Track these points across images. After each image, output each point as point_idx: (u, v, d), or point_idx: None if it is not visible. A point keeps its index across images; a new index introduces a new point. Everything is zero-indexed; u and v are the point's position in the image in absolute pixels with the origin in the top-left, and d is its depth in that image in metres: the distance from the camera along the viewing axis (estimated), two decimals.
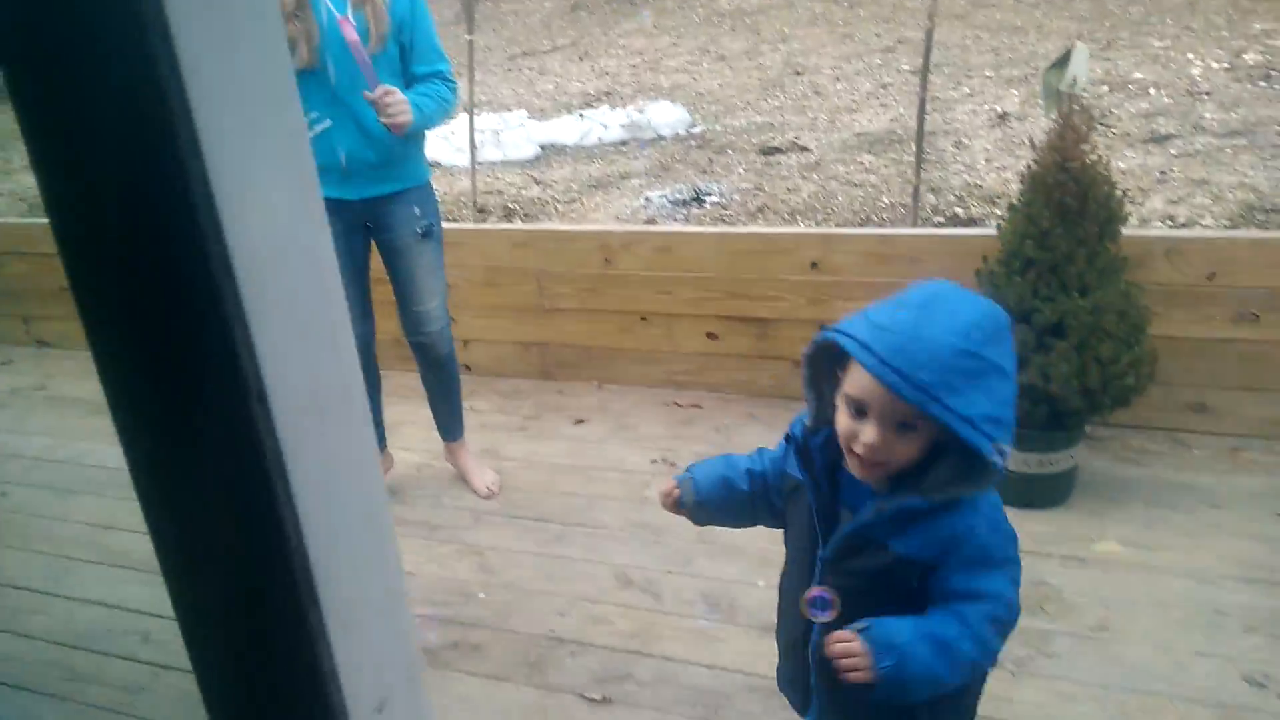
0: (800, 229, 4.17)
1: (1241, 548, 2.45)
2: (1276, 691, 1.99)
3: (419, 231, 2.68)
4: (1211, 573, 2.37)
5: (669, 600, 2.46)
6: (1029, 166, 2.58)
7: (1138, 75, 5.85)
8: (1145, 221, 3.91)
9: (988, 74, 6.38)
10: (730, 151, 5.68)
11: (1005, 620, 1.20)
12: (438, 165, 5.94)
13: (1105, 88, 5.67)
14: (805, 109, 6.31)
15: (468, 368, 3.85)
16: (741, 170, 5.33)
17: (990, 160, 4.87)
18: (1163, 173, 4.39)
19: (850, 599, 1.25)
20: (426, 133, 2.69)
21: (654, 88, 7.35)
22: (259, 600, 0.47)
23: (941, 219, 4.25)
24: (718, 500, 1.43)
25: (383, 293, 2.80)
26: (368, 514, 0.52)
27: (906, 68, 6.84)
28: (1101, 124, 4.99)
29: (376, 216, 2.66)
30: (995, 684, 1.70)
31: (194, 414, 0.43)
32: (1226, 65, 5.83)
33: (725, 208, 4.80)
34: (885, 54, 7.37)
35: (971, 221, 4.15)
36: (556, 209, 5.14)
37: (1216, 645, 2.13)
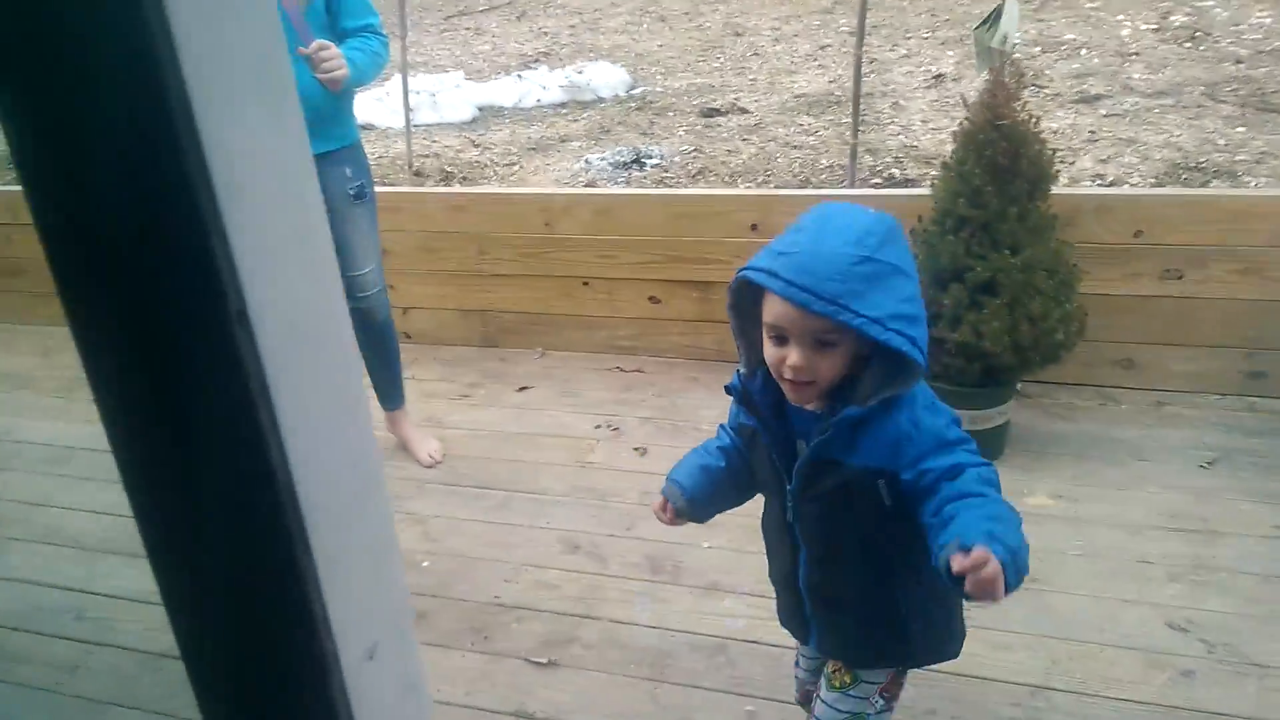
0: (740, 191, 4.17)
1: (1167, 499, 2.54)
2: (1197, 636, 2.07)
3: (350, 193, 2.62)
4: (1138, 523, 2.45)
5: (614, 564, 2.48)
6: (961, 124, 2.61)
7: (1069, 36, 5.94)
8: (1075, 181, 3.98)
9: (924, 35, 6.42)
10: (670, 113, 5.65)
11: (995, 480, 1.21)
12: (372, 128, 5.81)
13: (1038, 49, 5.74)
14: (745, 70, 6.28)
15: (408, 336, 3.80)
16: (682, 132, 5.30)
17: (926, 121, 4.91)
18: (1092, 132, 4.47)
19: (826, 523, 1.31)
20: (356, 91, 2.63)
21: (593, 49, 7.25)
22: (248, 543, 0.44)
23: (879, 180, 4.28)
24: (705, 489, 1.45)
25: None
26: (357, 451, 0.49)
27: (845, 29, 6.84)
28: (1034, 85, 5.06)
29: None
30: None
31: (171, 335, 0.40)
32: (1154, 26, 5.94)
33: (666, 170, 4.78)
34: (824, 15, 7.36)
35: (908, 182, 4.19)
36: (495, 172, 5.06)
37: (1143, 593, 2.21)
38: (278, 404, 0.41)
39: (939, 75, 5.55)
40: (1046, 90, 5.08)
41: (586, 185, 4.68)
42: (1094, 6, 6.54)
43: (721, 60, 6.59)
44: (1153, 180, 3.93)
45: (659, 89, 6.15)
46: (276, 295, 0.41)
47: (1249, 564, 2.27)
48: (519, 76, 6.56)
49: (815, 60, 6.29)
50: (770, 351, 1.23)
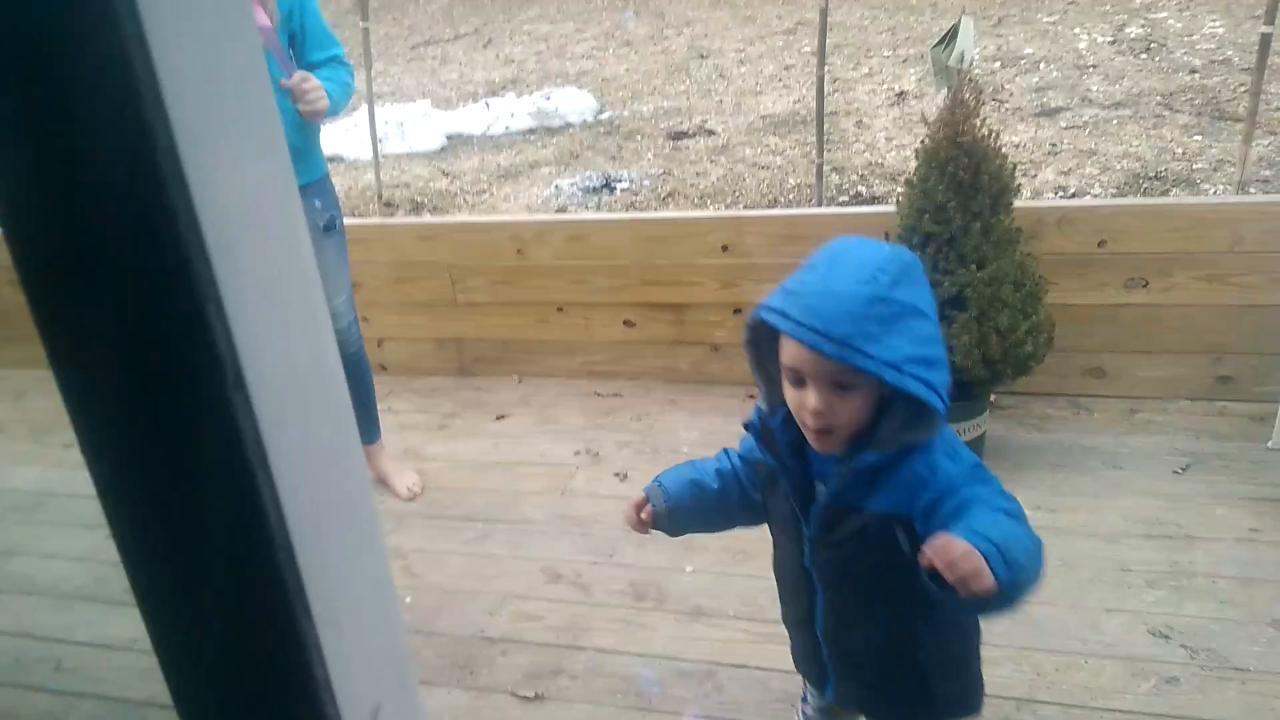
0: (710, 213, 4.20)
1: (1142, 506, 2.56)
2: (1179, 642, 2.09)
3: (321, 225, 2.62)
4: (1116, 531, 2.47)
5: (598, 592, 2.47)
6: (923, 142, 2.65)
7: (1028, 50, 6.04)
8: (1038, 193, 4.04)
9: (885, 53, 6.51)
10: (639, 137, 5.68)
11: (1018, 512, 1.15)
12: (340, 159, 5.79)
13: (997, 64, 5.83)
14: (711, 93, 6.34)
15: (383, 368, 3.78)
16: (650, 156, 5.34)
17: (890, 139, 4.98)
18: (1053, 145, 4.55)
19: (844, 568, 1.27)
20: (324, 124, 2.63)
21: (560, 74, 7.29)
22: (245, 609, 0.43)
23: (846, 198, 4.33)
24: (689, 504, 1.40)
25: None
26: (354, 508, 0.48)
27: (808, 49, 6.93)
28: (995, 99, 5.14)
29: None
30: None
31: (167, 402, 0.39)
32: (1110, 39, 6.06)
33: (636, 194, 4.81)
34: (787, 36, 7.45)
35: (874, 199, 4.24)
36: (466, 200, 5.07)
37: (1123, 601, 2.23)
38: (274, 464, 0.41)
39: (901, 93, 5.63)
40: (1007, 104, 5.16)
41: (557, 211, 4.70)
42: (1051, 20, 6.67)
43: (688, 83, 6.65)
44: (1114, 190, 4.00)
45: (627, 113, 6.19)
46: (271, 356, 0.41)
47: (1226, 568, 2.30)
48: (487, 104, 6.58)
49: (780, 81, 6.36)
50: (790, 394, 1.20)
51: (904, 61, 6.24)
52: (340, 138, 5.82)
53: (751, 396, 3.27)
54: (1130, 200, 3.60)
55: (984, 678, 1.44)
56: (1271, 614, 2.14)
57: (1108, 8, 6.76)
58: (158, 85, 0.35)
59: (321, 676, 0.44)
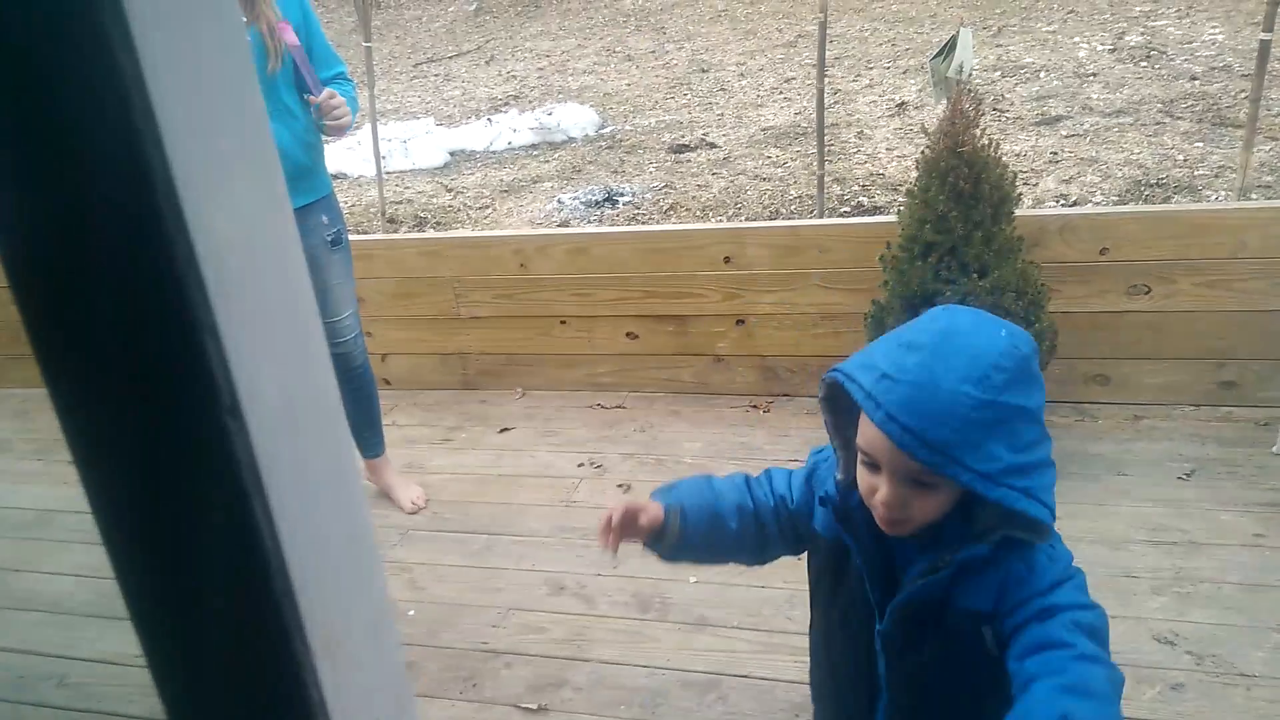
0: (712, 225, 4.21)
1: (1147, 512, 2.56)
2: (1185, 648, 2.08)
3: (328, 240, 2.64)
4: (1120, 538, 2.47)
5: (601, 604, 2.47)
6: (923, 153, 2.66)
7: (1028, 60, 6.06)
8: (1040, 201, 4.05)
9: (886, 65, 6.53)
10: (641, 151, 5.71)
11: (1096, 626, 1.04)
12: (344, 177, 5.83)
13: (997, 73, 5.85)
14: (712, 106, 6.37)
15: (387, 382, 3.79)
16: (652, 169, 5.35)
17: (891, 149, 4.99)
18: (1054, 153, 4.56)
19: (921, 669, 1.12)
20: (327, 142, 2.65)
21: (562, 90, 7.33)
22: (241, 633, 0.43)
23: (847, 209, 4.34)
24: (700, 537, 1.22)
25: None
26: (351, 532, 0.49)
27: (809, 61, 6.95)
28: (995, 109, 5.15)
29: None
30: None
31: (163, 428, 0.39)
32: (1110, 47, 6.07)
33: (638, 207, 4.82)
34: (787, 48, 7.49)
35: (876, 210, 4.25)
36: (469, 216, 5.09)
37: (1128, 608, 2.22)
38: (270, 490, 0.41)
39: (902, 103, 5.65)
40: (1008, 114, 5.18)
41: (560, 225, 4.71)
42: (1051, 30, 6.69)
43: (689, 97, 6.68)
44: (1115, 198, 4.00)
45: (628, 127, 6.22)
46: (268, 382, 0.41)
47: (1231, 574, 2.29)
48: (489, 120, 6.62)
49: (780, 93, 6.38)
50: (862, 476, 1.07)
51: (904, 72, 6.26)
52: (343, 155, 5.86)
53: (754, 407, 3.27)
54: (1132, 208, 3.60)
55: None
56: (1277, 619, 2.13)
57: (1107, 16, 6.79)
58: (153, 115, 0.35)
59: (317, 699, 0.44)
